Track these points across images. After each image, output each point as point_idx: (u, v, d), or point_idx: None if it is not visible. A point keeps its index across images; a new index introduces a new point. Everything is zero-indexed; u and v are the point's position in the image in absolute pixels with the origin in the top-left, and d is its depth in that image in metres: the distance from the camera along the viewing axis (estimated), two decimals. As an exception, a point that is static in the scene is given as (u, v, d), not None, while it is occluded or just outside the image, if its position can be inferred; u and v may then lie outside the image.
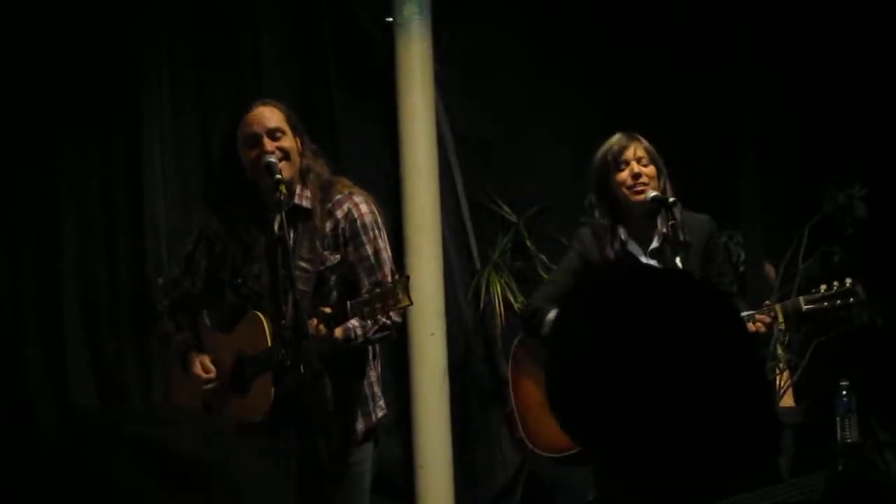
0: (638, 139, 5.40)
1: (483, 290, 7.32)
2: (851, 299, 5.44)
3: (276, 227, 4.73)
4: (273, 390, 4.62)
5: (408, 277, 4.52)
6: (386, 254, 4.86)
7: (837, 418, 6.37)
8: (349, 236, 4.81)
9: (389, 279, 4.70)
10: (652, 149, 5.39)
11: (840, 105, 7.37)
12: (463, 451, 7.24)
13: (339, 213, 4.83)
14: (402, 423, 7.08)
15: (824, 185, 7.28)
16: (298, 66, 7.25)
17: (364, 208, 4.86)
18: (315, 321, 4.54)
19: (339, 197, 4.85)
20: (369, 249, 4.81)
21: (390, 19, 7.18)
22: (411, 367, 7.04)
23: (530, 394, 5.76)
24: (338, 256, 4.80)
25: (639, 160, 5.35)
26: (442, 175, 7.22)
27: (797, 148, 7.47)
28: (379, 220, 4.90)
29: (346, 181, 4.97)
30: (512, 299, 7.24)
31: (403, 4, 7.10)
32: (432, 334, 7.00)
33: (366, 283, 4.74)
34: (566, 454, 5.56)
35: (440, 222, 7.15)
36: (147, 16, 6.94)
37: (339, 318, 4.56)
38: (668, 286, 1.85)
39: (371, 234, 4.83)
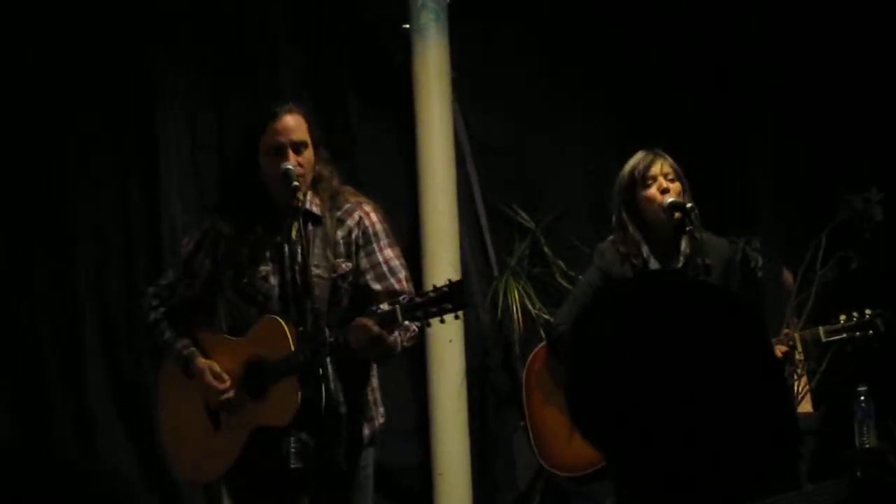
0: (663, 156, 5.40)
1: (501, 296, 7.33)
2: (871, 332, 5.43)
3: (293, 233, 4.74)
4: (299, 395, 4.61)
5: (462, 281, 4.55)
6: (399, 261, 4.88)
7: (856, 424, 6.36)
8: (362, 244, 4.83)
9: (406, 285, 4.75)
10: (676, 166, 5.39)
11: (857, 109, 7.37)
12: (481, 457, 7.25)
13: (351, 222, 4.85)
14: (420, 430, 7.10)
15: (841, 189, 7.27)
16: (314, 74, 7.27)
17: (374, 217, 4.89)
18: (367, 321, 4.54)
19: (348, 206, 4.87)
20: (380, 257, 4.84)
21: (407, 26, 7.19)
22: (430, 373, 7.05)
23: (546, 412, 5.76)
24: (350, 265, 4.82)
25: (665, 175, 5.34)
26: (459, 182, 7.23)
27: (814, 153, 7.46)
28: (388, 228, 4.94)
29: (353, 190, 5.00)
30: (530, 306, 7.25)
31: (420, 11, 7.11)
32: (450, 341, 7.01)
33: (378, 289, 4.77)
34: (582, 474, 5.57)
35: (458, 229, 7.15)
36: (164, 26, 6.97)
37: (388, 320, 4.57)
38: (686, 291, 1.85)
39: (383, 241, 4.86)
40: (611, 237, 5.56)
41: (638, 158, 5.41)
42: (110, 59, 6.89)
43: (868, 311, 5.47)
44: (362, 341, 4.56)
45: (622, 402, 1.76)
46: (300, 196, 4.69)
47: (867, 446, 6.34)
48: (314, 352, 4.53)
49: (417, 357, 6.97)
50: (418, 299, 4.55)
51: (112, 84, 6.91)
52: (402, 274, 4.84)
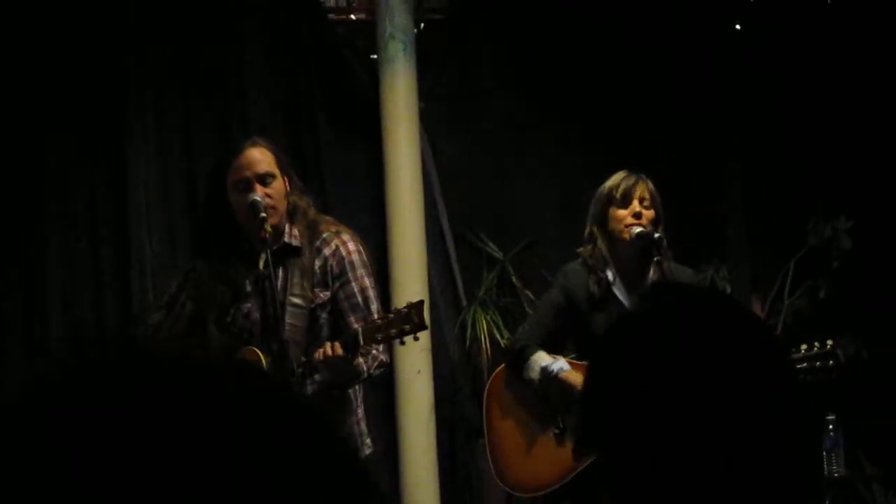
0: (645, 180, 5.38)
1: (469, 326, 7.31)
2: (831, 362, 5.43)
3: (261, 265, 4.74)
4: None
5: (422, 302, 4.57)
6: (373, 292, 4.89)
7: (825, 453, 6.38)
8: (337, 274, 4.84)
9: (376, 316, 4.76)
10: (655, 192, 5.38)
11: (825, 138, 7.41)
12: (450, 487, 7.22)
13: (328, 251, 4.86)
14: (389, 460, 7.06)
15: (810, 218, 7.30)
16: (284, 104, 7.25)
17: (352, 247, 4.89)
18: (323, 347, 4.55)
19: (325, 235, 4.88)
20: (356, 287, 4.85)
21: (375, 56, 7.20)
22: (398, 404, 7.02)
23: (505, 431, 5.73)
24: (328, 294, 4.84)
25: (641, 201, 5.33)
26: (427, 212, 7.22)
27: (783, 182, 7.49)
28: (366, 259, 4.93)
29: (331, 219, 5.02)
30: (498, 336, 7.23)
31: (388, 42, 7.12)
32: (419, 371, 6.99)
33: (352, 320, 4.78)
34: (540, 493, 5.55)
35: (426, 259, 7.14)
36: (132, 58, 6.95)
37: (351, 345, 4.58)
38: (724, 312, 1.83)
39: (359, 272, 4.87)
40: (577, 260, 5.56)
41: (620, 178, 5.40)
42: (82, 97, 6.87)
43: (829, 342, 5.46)
44: (324, 368, 4.58)
45: (644, 428, 1.73)
46: (268, 227, 4.68)
47: (836, 475, 6.36)
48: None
49: (385, 387, 6.95)
50: (378, 321, 4.57)
51: (83, 121, 6.88)
52: (375, 306, 4.85)
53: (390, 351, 4.98)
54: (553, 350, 5.49)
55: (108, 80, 6.94)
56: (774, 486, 1.72)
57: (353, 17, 7.47)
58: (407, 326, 4.53)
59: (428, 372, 7.06)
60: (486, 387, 5.89)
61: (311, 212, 4.93)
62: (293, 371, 4.56)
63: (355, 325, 4.72)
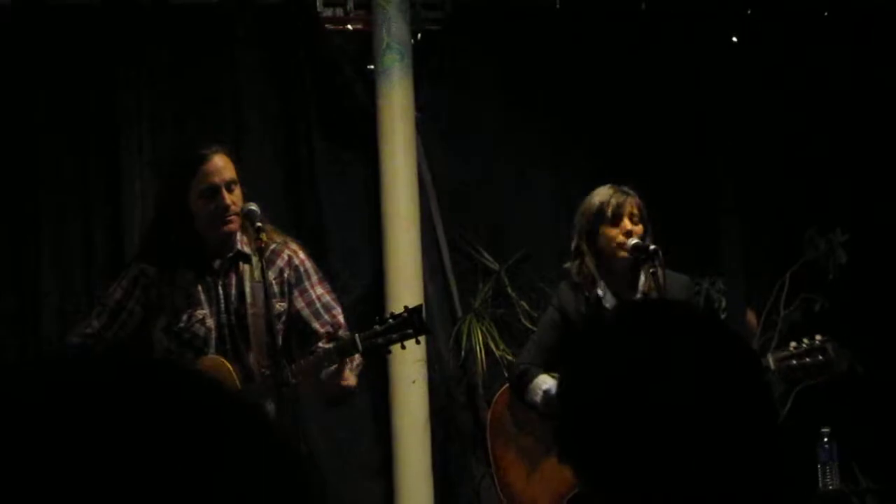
0: (633, 196, 5.37)
1: (464, 337, 7.30)
2: (821, 357, 5.40)
3: (255, 274, 4.76)
4: None
5: (421, 306, 4.62)
6: (331, 296, 4.95)
7: (819, 466, 6.37)
8: (294, 282, 4.91)
9: (342, 320, 4.83)
10: (642, 204, 5.38)
11: (822, 151, 7.41)
12: (445, 499, 7.21)
13: (281, 262, 4.91)
14: (383, 472, 7.06)
15: (806, 231, 7.30)
16: (280, 114, 7.25)
17: (303, 255, 5.00)
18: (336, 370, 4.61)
19: (274, 246, 4.93)
20: (314, 294, 4.93)
21: (371, 67, 7.20)
22: (393, 414, 7.02)
23: (510, 455, 5.73)
24: (284, 304, 4.88)
25: (631, 216, 5.33)
26: (423, 223, 7.21)
27: (779, 194, 7.49)
28: (315, 265, 5.05)
29: (275, 228, 5.04)
30: (493, 347, 7.23)
31: (384, 52, 7.11)
32: (414, 382, 6.98)
33: (317, 325, 4.86)
34: None
35: (421, 270, 7.14)
36: (127, 70, 6.96)
37: (348, 349, 4.61)
38: (691, 328, 1.83)
39: (314, 278, 4.96)
40: (565, 280, 5.57)
41: (608, 194, 5.38)
42: (79, 109, 6.89)
43: (818, 337, 5.46)
44: (322, 389, 4.62)
45: (618, 429, 1.73)
46: (264, 237, 4.71)
47: (831, 488, 6.35)
48: (278, 389, 4.56)
49: (380, 398, 6.96)
50: (378, 327, 4.60)
51: (78, 130, 6.91)
52: (338, 309, 4.96)
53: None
54: (556, 370, 5.49)
55: (104, 86, 6.95)
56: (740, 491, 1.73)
57: (349, 27, 7.46)
58: (409, 330, 4.61)
59: (423, 382, 7.05)
60: (490, 410, 5.90)
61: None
62: (287, 381, 4.58)
63: (322, 330, 4.82)
